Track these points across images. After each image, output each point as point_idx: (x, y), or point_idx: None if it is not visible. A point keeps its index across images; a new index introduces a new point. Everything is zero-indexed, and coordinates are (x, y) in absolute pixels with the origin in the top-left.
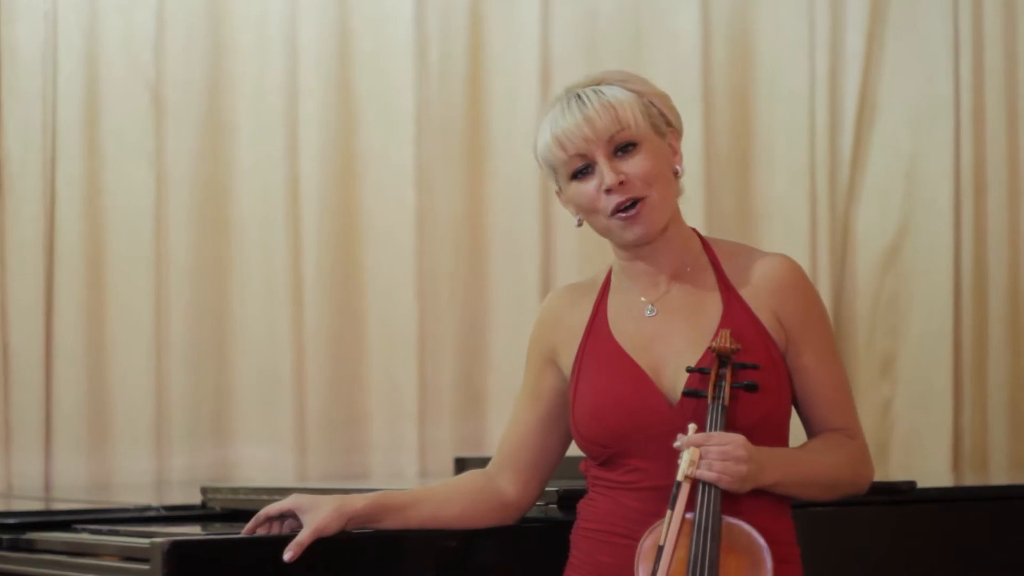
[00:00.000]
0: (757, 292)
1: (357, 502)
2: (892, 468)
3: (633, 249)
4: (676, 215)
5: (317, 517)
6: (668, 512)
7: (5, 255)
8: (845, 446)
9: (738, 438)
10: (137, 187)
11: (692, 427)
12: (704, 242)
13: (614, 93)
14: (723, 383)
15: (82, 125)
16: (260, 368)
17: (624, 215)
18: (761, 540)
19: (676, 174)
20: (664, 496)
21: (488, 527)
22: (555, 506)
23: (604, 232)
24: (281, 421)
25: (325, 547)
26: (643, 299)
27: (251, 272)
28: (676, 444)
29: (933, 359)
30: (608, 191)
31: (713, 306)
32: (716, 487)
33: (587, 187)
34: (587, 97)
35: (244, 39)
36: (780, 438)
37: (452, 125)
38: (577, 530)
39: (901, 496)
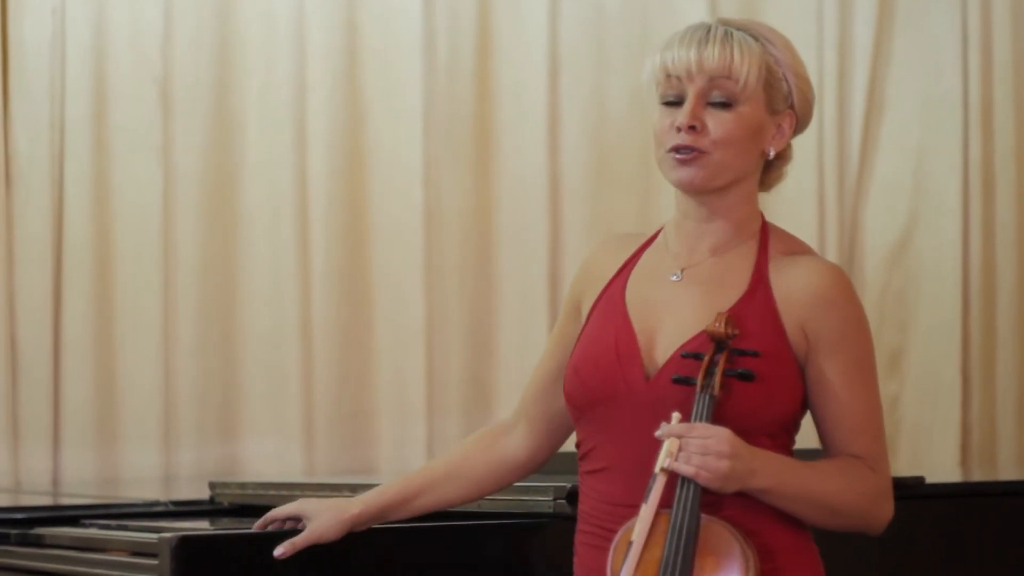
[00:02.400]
0: (790, 294)
1: (354, 507)
2: (900, 463)
3: (687, 200)
4: (745, 190)
5: (317, 524)
6: (642, 506)
7: (13, 250)
8: (862, 475)
9: (723, 432)
10: (145, 182)
11: (676, 416)
12: (764, 227)
13: (744, 43)
14: (715, 370)
15: (90, 120)
16: (268, 363)
17: (678, 156)
18: (741, 544)
19: (763, 154)
20: (635, 488)
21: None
22: (564, 501)
23: (659, 165)
24: (289, 416)
25: (331, 544)
26: (675, 260)
27: (259, 267)
28: (657, 433)
29: (941, 354)
30: (678, 129)
31: (736, 288)
32: (695, 484)
33: (666, 118)
34: (713, 34)
35: (252, 34)
36: (781, 444)
37: (460, 121)
38: (576, 536)
39: (909, 491)
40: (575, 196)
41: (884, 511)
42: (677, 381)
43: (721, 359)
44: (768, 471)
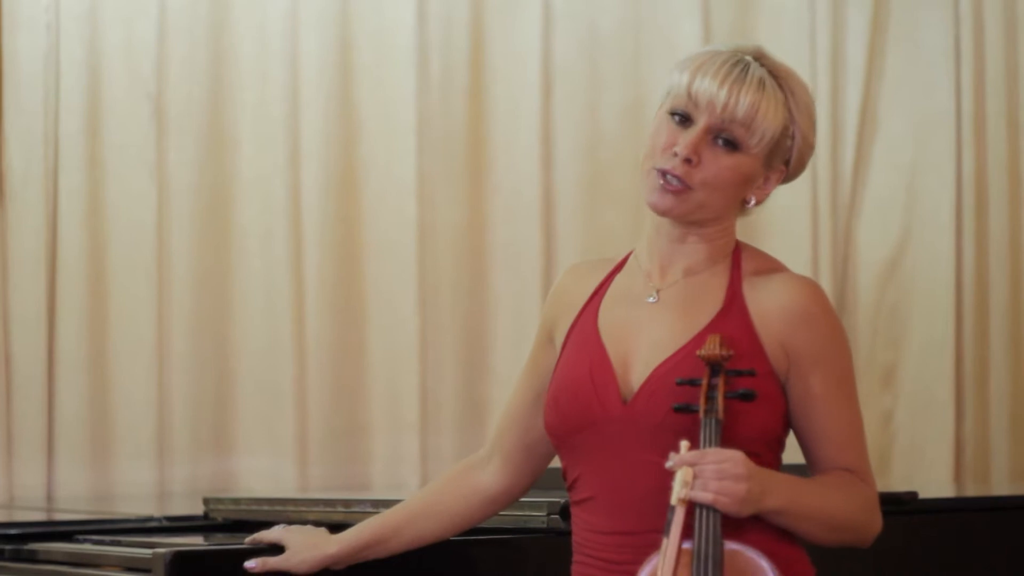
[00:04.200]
0: (767, 312)
1: (332, 546)
2: (893, 479)
3: (664, 220)
4: (721, 226)
5: (293, 555)
6: (663, 540)
7: (7, 266)
8: (857, 489)
9: (736, 455)
10: (139, 198)
11: (685, 444)
12: (737, 247)
13: (774, 96)
14: (715, 394)
15: (84, 136)
16: (261, 379)
17: (663, 181)
18: (767, 565)
19: (744, 201)
20: (618, 515)
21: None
22: (557, 516)
23: (642, 176)
24: (283, 432)
25: None
26: (648, 282)
27: (252, 283)
28: (668, 464)
29: (934, 370)
30: (674, 153)
31: (710, 307)
32: (714, 511)
33: (668, 133)
34: (751, 79)
35: (245, 50)
36: (765, 462)
37: (453, 137)
38: (572, 567)
39: (903, 507)
40: (568, 212)
41: (876, 523)
42: (678, 410)
43: (720, 382)
44: (780, 491)
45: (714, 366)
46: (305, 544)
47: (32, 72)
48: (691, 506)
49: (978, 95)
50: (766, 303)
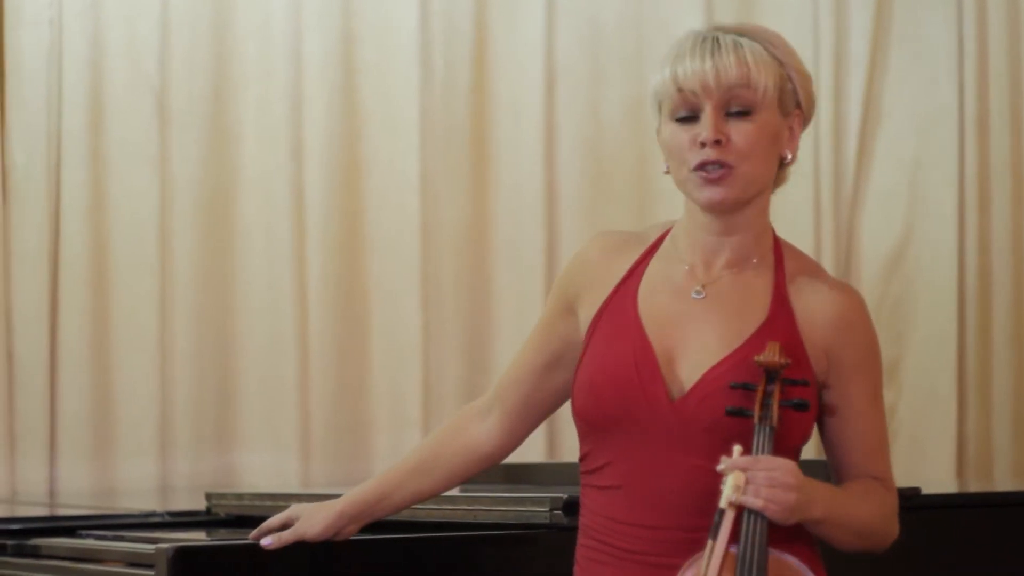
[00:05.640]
0: (812, 318)
1: (337, 504)
2: (896, 474)
3: (708, 214)
4: (764, 201)
5: (303, 521)
6: (709, 542)
7: (10, 262)
8: (883, 498)
9: (788, 463)
10: (141, 194)
11: (738, 449)
12: (777, 243)
13: (755, 50)
14: (771, 401)
15: (86, 133)
16: (264, 374)
17: (705, 174)
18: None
19: (783, 160)
20: (645, 509)
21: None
22: (560, 512)
23: (681, 185)
24: (285, 427)
25: (327, 549)
26: (690, 273)
27: (255, 279)
28: (720, 467)
29: (937, 365)
30: (702, 145)
31: (758, 310)
32: (763, 517)
33: (683, 135)
34: (724, 44)
35: (248, 47)
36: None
37: (456, 134)
38: (577, 549)
39: (905, 503)
40: (572, 208)
41: (896, 530)
42: (731, 414)
43: (775, 389)
44: (822, 501)
45: (771, 373)
46: (312, 509)
47: (35, 68)
48: (739, 511)
49: (981, 90)
50: (812, 309)
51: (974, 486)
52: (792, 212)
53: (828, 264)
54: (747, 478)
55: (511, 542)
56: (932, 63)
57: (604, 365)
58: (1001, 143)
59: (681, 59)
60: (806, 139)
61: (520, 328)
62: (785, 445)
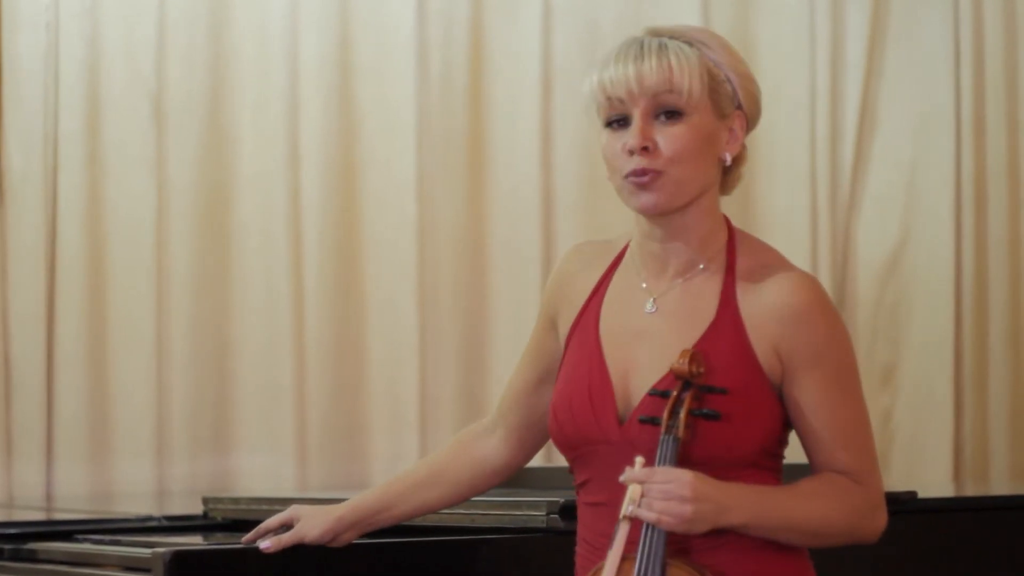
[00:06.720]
0: (759, 316)
1: (339, 509)
2: (893, 478)
3: (650, 222)
4: (706, 203)
5: (303, 523)
6: (608, 552)
7: (7, 265)
8: (846, 492)
9: (684, 476)
10: (138, 197)
11: (639, 460)
12: (731, 240)
13: (680, 52)
14: (679, 410)
15: (83, 135)
16: (261, 377)
17: (636, 180)
18: None
19: (720, 161)
20: (614, 519)
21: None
22: (557, 516)
23: (618, 193)
24: (282, 431)
25: (323, 554)
26: (644, 287)
27: (252, 281)
28: (621, 478)
29: (934, 369)
30: (630, 152)
31: (706, 317)
32: (659, 529)
33: (615, 143)
34: (648, 48)
35: (245, 49)
36: (768, 468)
37: (453, 135)
38: (576, 556)
39: (902, 506)
40: (568, 210)
41: (876, 523)
42: (643, 421)
43: (687, 398)
44: (743, 506)
45: (685, 382)
46: (312, 511)
47: (32, 70)
48: (638, 522)
49: (978, 93)
50: (759, 306)
51: (971, 490)
52: (788, 216)
53: (824, 267)
54: (643, 491)
55: (508, 546)
56: (928, 66)
57: (563, 390)
58: (997, 146)
59: (607, 65)
60: (802, 142)
61: (516, 330)
62: (702, 456)
